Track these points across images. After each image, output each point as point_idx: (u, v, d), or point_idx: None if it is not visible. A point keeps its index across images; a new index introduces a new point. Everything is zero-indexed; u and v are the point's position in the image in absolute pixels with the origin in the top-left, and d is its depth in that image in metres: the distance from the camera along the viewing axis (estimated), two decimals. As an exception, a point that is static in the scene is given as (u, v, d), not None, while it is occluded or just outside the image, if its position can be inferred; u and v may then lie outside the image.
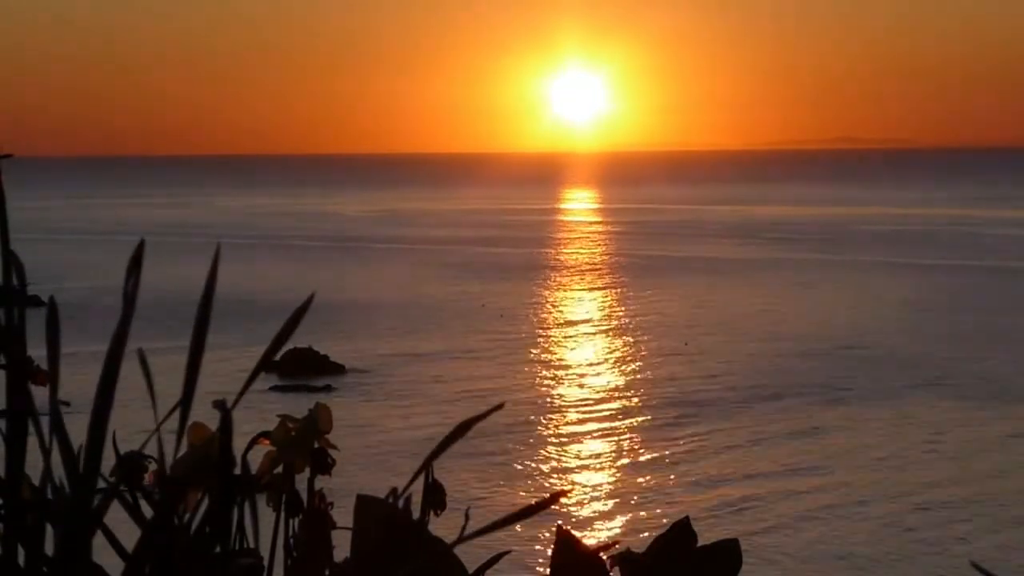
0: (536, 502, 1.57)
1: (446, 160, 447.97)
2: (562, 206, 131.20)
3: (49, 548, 1.56)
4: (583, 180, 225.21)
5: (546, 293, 53.17)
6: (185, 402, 1.56)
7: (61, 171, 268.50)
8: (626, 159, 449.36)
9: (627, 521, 21.98)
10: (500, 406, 1.59)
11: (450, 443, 1.58)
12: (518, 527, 18.84)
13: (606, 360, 37.16)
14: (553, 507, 1.59)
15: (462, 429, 1.55)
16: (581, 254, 73.32)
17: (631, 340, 40.56)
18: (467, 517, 1.99)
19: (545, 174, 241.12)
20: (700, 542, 2.52)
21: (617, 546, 2.46)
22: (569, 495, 22.96)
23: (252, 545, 2.05)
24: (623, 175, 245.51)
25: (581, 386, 33.31)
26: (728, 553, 2.49)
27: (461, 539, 1.76)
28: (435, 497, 2.26)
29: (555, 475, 24.87)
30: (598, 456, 26.41)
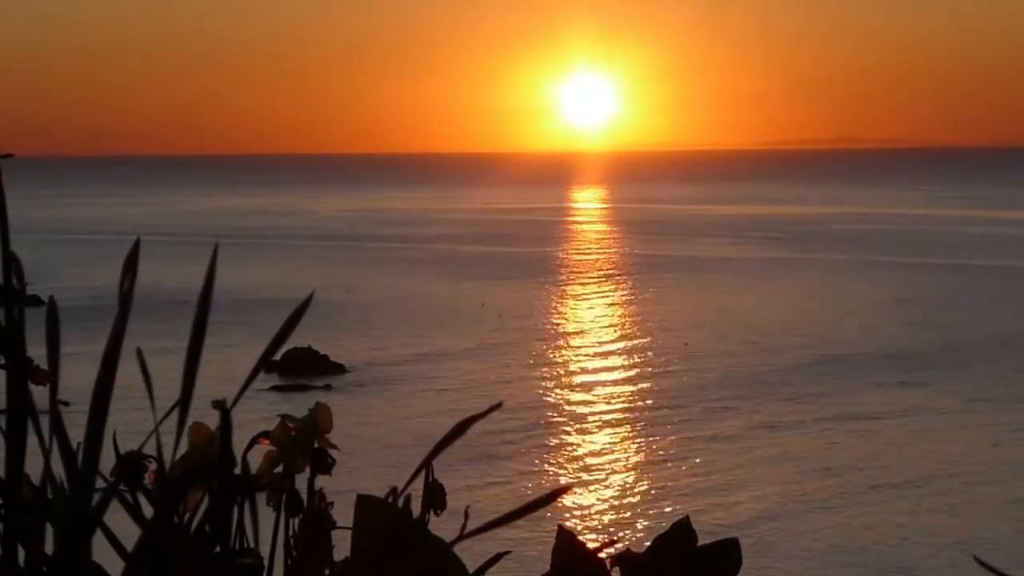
0: (538, 498, 1.57)
1: (457, 160, 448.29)
2: (566, 205, 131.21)
3: (49, 548, 1.56)
4: (589, 180, 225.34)
5: (546, 292, 53.16)
6: (184, 401, 1.56)
7: (44, 171, 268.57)
8: (631, 159, 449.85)
9: (626, 519, 21.97)
10: (499, 405, 1.59)
11: (449, 442, 1.57)
12: (518, 526, 18.85)
13: (606, 359, 37.16)
14: (552, 504, 1.59)
15: (461, 428, 1.55)
16: (582, 253, 73.32)
17: (631, 339, 40.55)
18: (467, 516, 1.98)
19: (553, 174, 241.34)
20: (702, 540, 2.52)
21: (617, 546, 2.46)
22: (569, 492, 22.94)
23: (252, 545, 2.04)
24: (627, 175, 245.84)
25: (581, 385, 33.31)
26: (728, 552, 2.49)
27: (462, 536, 1.76)
28: (435, 496, 2.26)
29: (555, 473, 24.87)
30: (598, 454, 26.41)
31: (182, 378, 1.55)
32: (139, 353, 1.62)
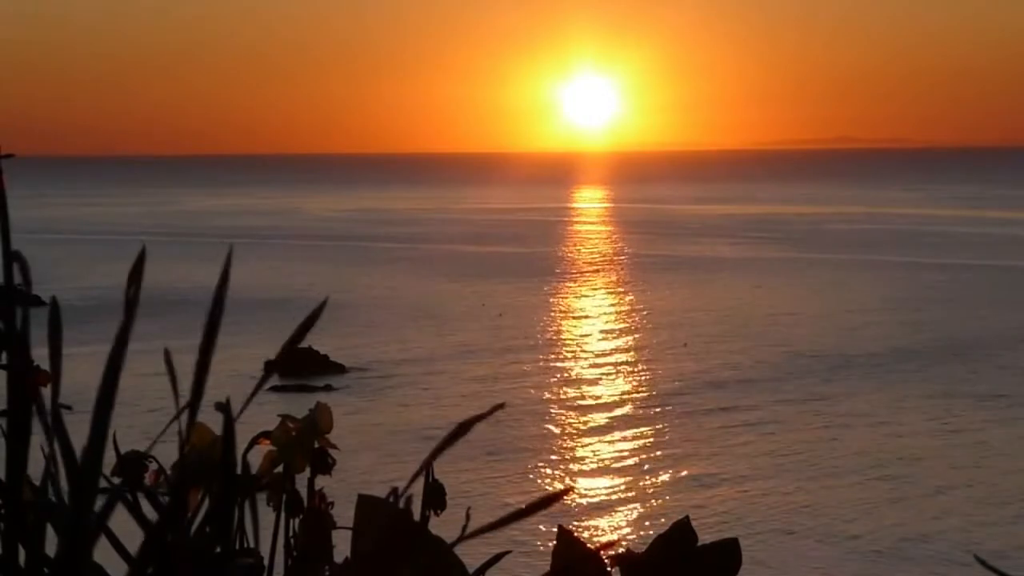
0: (537, 500, 1.57)
1: (458, 160, 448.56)
2: (567, 206, 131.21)
3: (50, 548, 1.56)
4: (590, 180, 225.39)
5: (546, 293, 53.17)
6: (193, 403, 1.56)
7: (44, 171, 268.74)
8: (633, 159, 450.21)
9: (625, 519, 21.98)
10: (501, 406, 1.59)
11: (451, 443, 1.58)
12: (519, 526, 18.84)
13: (606, 359, 37.16)
14: (553, 505, 1.59)
15: (463, 429, 1.55)
16: (582, 254, 73.32)
17: (631, 339, 40.56)
18: (468, 517, 1.99)
19: (555, 174, 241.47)
20: (702, 540, 2.52)
21: (617, 546, 2.46)
22: (570, 493, 22.94)
23: (252, 545, 2.05)
24: (628, 175, 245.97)
25: (581, 385, 33.31)
26: (728, 552, 2.49)
27: (462, 538, 1.76)
28: (435, 497, 2.26)
29: (554, 473, 24.87)
30: (597, 454, 26.41)
31: (192, 381, 1.55)
32: (167, 354, 1.62)
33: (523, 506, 1.55)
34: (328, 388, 32.12)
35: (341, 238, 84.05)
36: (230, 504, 1.60)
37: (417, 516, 2.21)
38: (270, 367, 1.69)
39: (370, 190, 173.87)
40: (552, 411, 30.00)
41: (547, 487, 23.58)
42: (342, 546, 2.20)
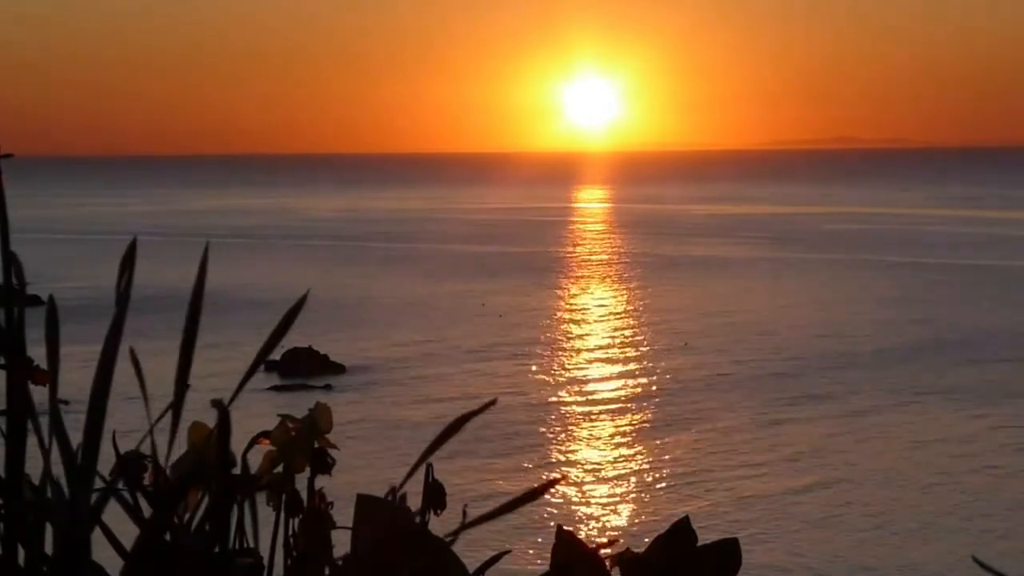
0: (531, 490, 1.57)
1: (461, 160, 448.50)
2: (568, 205, 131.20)
3: (49, 548, 1.56)
4: (592, 180, 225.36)
5: (547, 293, 53.17)
6: (177, 401, 1.56)
7: (44, 171, 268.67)
8: (634, 159, 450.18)
9: (624, 519, 21.98)
10: (493, 401, 1.60)
11: (446, 439, 1.57)
12: (519, 526, 18.85)
13: (606, 359, 37.16)
14: (551, 504, 1.59)
15: (457, 425, 1.55)
16: (583, 253, 73.32)
17: (631, 339, 40.56)
18: (465, 513, 1.99)
19: (557, 174, 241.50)
20: (701, 540, 2.51)
21: (617, 546, 2.46)
22: (565, 485, 22.96)
23: (252, 545, 2.04)
24: (629, 175, 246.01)
25: (581, 385, 33.32)
26: (728, 552, 2.49)
27: (462, 528, 1.76)
28: (435, 497, 2.26)
29: (552, 473, 24.87)
30: (596, 454, 26.41)
31: (175, 377, 1.55)
32: (132, 352, 1.62)
33: (517, 495, 1.54)
34: (328, 388, 32.12)
35: (341, 238, 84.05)
36: (229, 504, 1.59)
37: (417, 515, 2.20)
38: (257, 361, 1.68)
39: (370, 190, 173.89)
40: (552, 410, 30.00)
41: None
42: (342, 546, 2.19)
